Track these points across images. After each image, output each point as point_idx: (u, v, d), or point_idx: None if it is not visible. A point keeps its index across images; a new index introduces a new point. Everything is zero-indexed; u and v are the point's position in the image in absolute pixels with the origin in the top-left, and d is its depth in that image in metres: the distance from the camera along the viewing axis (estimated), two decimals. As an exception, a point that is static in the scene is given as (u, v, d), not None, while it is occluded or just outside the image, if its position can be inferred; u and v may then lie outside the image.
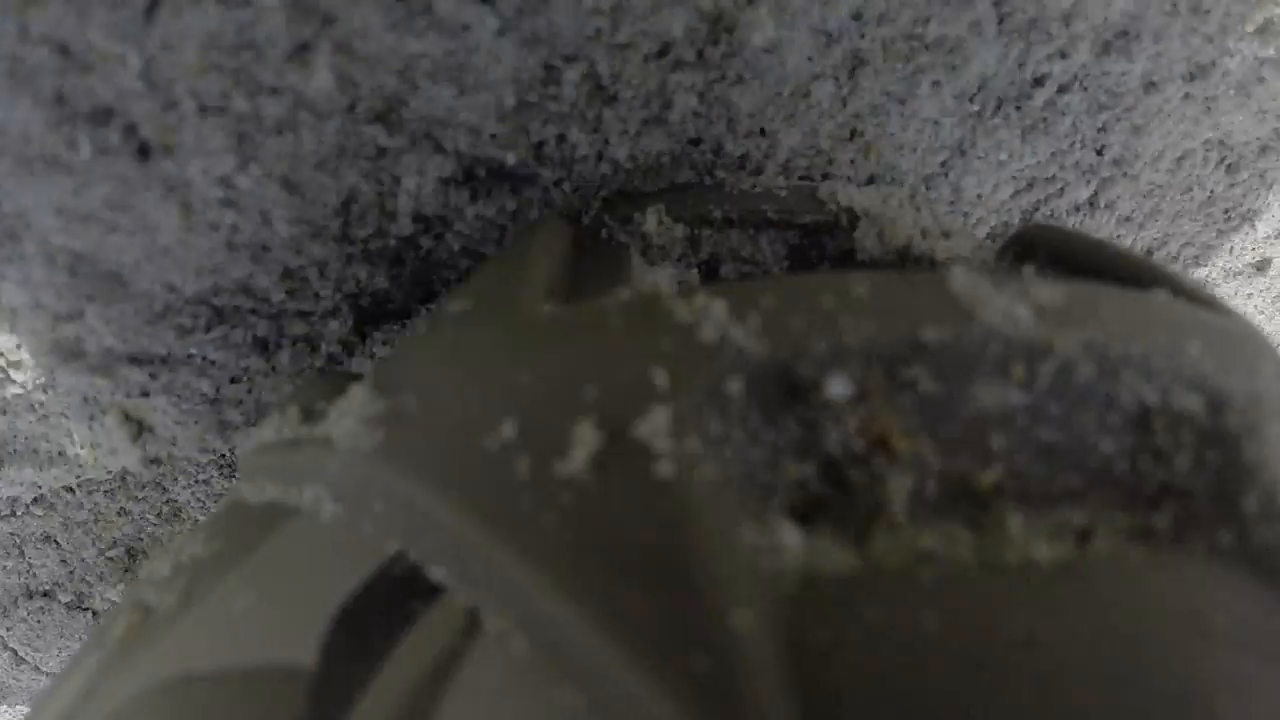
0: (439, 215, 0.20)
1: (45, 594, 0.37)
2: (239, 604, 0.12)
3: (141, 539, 0.34)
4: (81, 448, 0.25)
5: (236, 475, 0.32)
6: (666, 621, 0.09)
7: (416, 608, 0.10)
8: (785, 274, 0.19)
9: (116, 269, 0.19)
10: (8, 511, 0.32)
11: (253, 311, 0.21)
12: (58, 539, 0.34)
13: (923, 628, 0.09)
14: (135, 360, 0.21)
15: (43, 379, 0.22)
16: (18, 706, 0.46)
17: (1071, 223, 0.27)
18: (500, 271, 0.14)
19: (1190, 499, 0.11)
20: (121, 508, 0.32)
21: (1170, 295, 0.12)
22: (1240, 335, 0.12)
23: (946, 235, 0.19)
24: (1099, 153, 0.25)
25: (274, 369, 0.23)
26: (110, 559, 0.35)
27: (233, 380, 0.23)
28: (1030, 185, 0.25)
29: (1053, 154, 0.24)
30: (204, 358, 0.22)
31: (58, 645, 0.39)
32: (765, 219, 0.19)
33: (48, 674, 0.41)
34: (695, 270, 0.20)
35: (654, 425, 0.10)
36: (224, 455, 0.28)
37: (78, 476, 0.28)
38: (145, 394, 0.22)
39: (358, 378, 0.16)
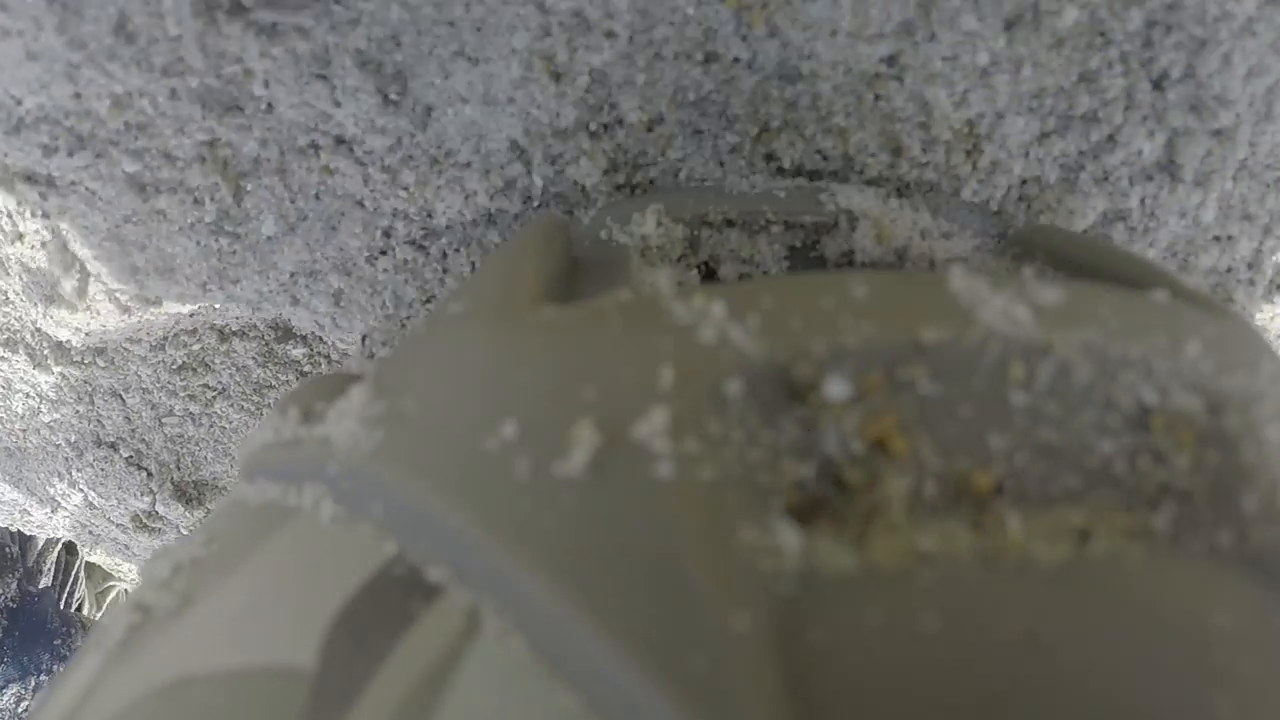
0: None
1: (111, 445, 0.41)
2: (239, 604, 0.12)
3: (191, 417, 0.39)
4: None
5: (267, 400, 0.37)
6: (665, 622, 0.09)
7: (416, 608, 0.10)
8: (784, 275, 0.20)
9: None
10: (78, 359, 0.36)
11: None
12: (123, 396, 0.38)
13: (922, 628, 0.09)
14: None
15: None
16: (99, 549, 0.52)
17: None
18: (499, 272, 0.14)
19: (1189, 499, 0.11)
20: (169, 385, 0.37)
21: (1170, 296, 0.12)
22: (1239, 336, 0.12)
23: (946, 236, 0.19)
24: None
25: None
26: (164, 425, 0.39)
27: None
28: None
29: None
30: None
31: (116, 496, 0.44)
32: (765, 220, 0.19)
33: (115, 522, 0.46)
34: (694, 271, 0.20)
35: (653, 426, 0.10)
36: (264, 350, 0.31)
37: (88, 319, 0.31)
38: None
39: (358, 378, 0.16)
